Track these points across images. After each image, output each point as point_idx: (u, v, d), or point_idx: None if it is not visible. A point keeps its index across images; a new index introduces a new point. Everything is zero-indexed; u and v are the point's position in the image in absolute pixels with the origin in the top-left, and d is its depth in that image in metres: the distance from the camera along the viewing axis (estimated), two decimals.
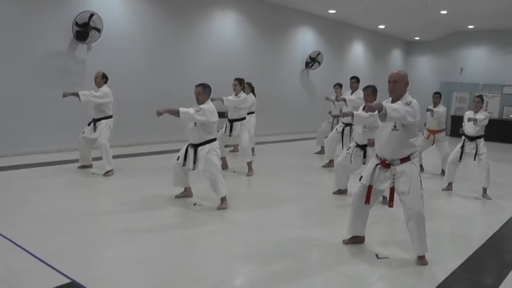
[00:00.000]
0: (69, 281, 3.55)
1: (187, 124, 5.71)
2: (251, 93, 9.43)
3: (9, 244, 4.24)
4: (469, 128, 7.34)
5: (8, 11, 8.15)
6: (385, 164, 4.29)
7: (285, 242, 4.74)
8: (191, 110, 5.46)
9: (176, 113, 5.37)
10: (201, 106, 5.59)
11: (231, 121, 7.94)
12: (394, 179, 4.23)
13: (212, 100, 6.12)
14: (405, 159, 4.23)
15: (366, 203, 4.42)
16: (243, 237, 4.88)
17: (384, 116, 3.90)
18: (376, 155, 4.42)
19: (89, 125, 7.37)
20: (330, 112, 10.64)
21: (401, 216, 4.43)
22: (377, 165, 4.34)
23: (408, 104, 4.05)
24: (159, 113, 5.38)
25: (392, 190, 4.26)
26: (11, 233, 4.45)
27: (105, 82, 7.33)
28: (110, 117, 7.39)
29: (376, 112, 4.00)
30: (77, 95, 6.99)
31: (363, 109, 6.14)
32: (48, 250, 4.13)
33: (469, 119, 7.18)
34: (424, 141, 8.73)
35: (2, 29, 8.10)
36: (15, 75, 8.33)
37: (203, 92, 5.72)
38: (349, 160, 6.52)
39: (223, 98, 7.64)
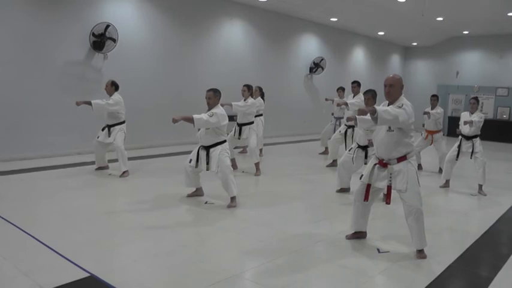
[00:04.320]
0: (88, 274, 3.57)
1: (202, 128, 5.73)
2: (259, 97, 9.45)
3: (32, 240, 4.29)
4: (465, 129, 7.31)
5: (30, 23, 8.22)
6: (382, 164, 4.28)
7: (292, 238, 4.74)
8: (204, 116, 5.49)
9: (191, 120, 5.40)
10: (213, 111, 5.62)
11: (240, 125, 7.96)
12: (390, 177, 4.22)
13: (221, 105, 6.12)
14: (402, 158, 4.20)
15: (364, 200, 4.42)
16: (251, 233, 4.88)
17: (375, 119, 3.87)
18: (375, 155, 4.42)
19: (102, 130, 7.38)
20: (332, 114, 10.62)
21: (401, 213, 4.42)
22: (375, 164, 4.34)
23: (400, 106, 4.03)
24: (175, 120, 5.43)
25: (389, 188, 4.24)
26: (33, 230, 4.50)
27: (116, 90, 7.34)
28: (122, 122, 7.42)
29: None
30: (89, 103, 7.03)
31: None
32: (68, 246, 4.16)
33: (465, 122, 7.16)
34: (422, 141, 8.71)
35: (24, 39, 8.18)
36: (37, 82, 8.41)
37: (214, 96, 5.75)
38: (351, 160, 6.52)
39: (232, 103, 7.66)
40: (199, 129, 5.75)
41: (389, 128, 4.14)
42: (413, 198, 4.17)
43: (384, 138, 4.19)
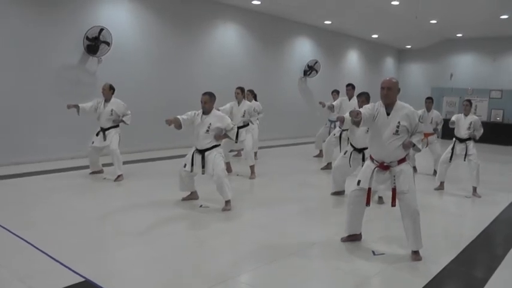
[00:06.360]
0: (83, 279, 3.56)
1: (199, 131, 5.76)
2: (253, 100, 9.45)
3: (27, 245, 4.27)
4: (460, 131, 7.35)
5: (24, 27, 8.19)
6: (383, 166, 4.30)
7: (287, 240, 4.75)
8: (231, 124, 5.89)
9: (229, 137, 5.96)
10: (221, 115, 5.90)
11: (237, 128, 7.94)
12: (395, 180, 4.24)
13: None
14: (402, 160, 4.27)
15: (367, 205, 4.43)
16: (247, 236, 4.90)
17: (418, 149, 4.37)
18: (371, 158, 4.43)
19: (97, 134, 7.36)
20: (331, 106, 10.51)
21: (396, 214, 4.45)
22: (374, 168, 4.34)
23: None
24: (220, 138, 5.83)
25: (394, 190, 4.27)
26: (28, 235, 4.48)
27: (112, 93, 7.34)
28: (117, 125, 7.42)
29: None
30: (124, 122, 7.43)
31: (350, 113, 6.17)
32: (63, 251, 4.15)
33: (469, 129, 7.22)
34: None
35: (18, 43, 8.15)
36: (31, 86, 8.36)
37: (209, 100, 5.78)
38: (348, 163, 6.50)
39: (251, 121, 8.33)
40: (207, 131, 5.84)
41: (396, 132, 4.20)
42: (413, 199, 4.21)
43: (388, 141, 4.22)
